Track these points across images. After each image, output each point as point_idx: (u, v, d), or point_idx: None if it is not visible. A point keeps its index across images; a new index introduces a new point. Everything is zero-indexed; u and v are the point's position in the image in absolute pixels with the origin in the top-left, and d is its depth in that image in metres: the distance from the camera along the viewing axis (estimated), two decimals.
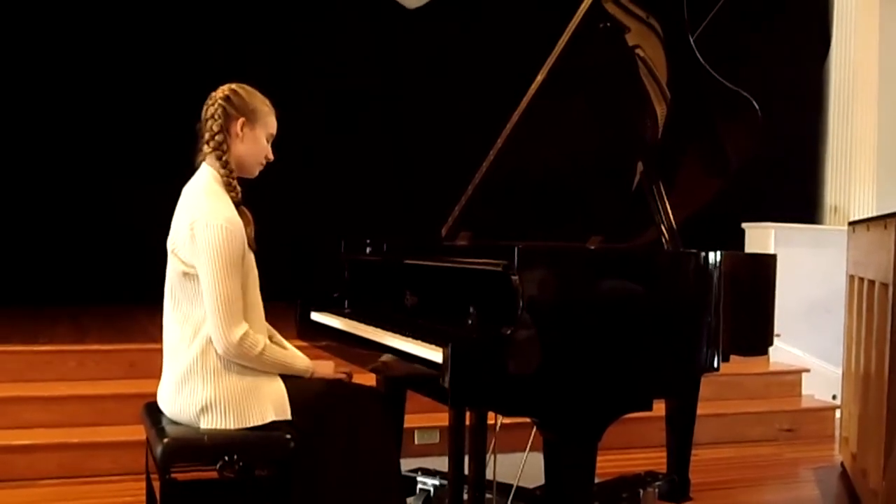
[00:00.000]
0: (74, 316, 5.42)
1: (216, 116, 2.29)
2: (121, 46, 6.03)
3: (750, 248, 5.59)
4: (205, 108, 2.32)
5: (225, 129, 2.29)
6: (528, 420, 2.16)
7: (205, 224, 2.15)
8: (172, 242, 2.23)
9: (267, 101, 2.38)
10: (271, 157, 2.39)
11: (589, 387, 2.10)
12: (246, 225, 2.24)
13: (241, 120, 2.30)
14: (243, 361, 2.21)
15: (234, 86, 2.34)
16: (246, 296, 2.24)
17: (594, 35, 2.54)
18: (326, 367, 2.41)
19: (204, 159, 2.31)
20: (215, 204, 2.20)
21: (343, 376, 2.43)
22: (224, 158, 2.28)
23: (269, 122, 2.37)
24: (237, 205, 2.26)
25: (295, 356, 2.36)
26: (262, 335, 2.27)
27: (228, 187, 2.27)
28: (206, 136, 2.30)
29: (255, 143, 2.33)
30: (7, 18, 5.84)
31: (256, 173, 2.39)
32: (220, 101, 2.30)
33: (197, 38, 6.09)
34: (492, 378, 1.95)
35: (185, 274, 2.20)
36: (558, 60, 2.49)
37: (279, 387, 2.25)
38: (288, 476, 2.16)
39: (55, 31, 5.96)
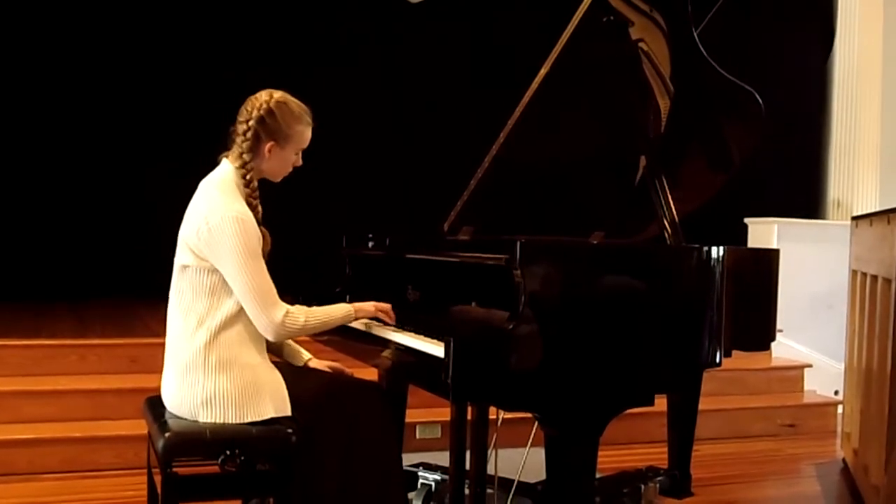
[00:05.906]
0: (76, 310, 5.42)
1: (247, 136, 2.25)
2: (126, 41, 6.04)
3: (752, 242, 5.58)
4: (240, 117, 2.27)
5: (253, 150, 2.26)
6: (529, 415, 2.16)
7: (219, 219, 2.14)
8: (184, 234, 2.23)
9: (305, 115, 2.30)
10: (299, 163, 2.36)
11: (590, 382, 2.10)
12: (263, 243, 2.22)
13: (271, 143, 2.26)
14: (293, 338, 2.37)
15: (273, 102, 2.26)
16: None
17: (597, 28, 2.53)
18: (366, 306, 2.39)
19: (226, 158, 2.30)
20: (227, 199, 2.19)
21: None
22: (248, 177, 2.26)
23: (303, 139, 2.32)
24: (258, 224, 2.23)
25: (333, 309, 2.35)
26: (298, 305, 2.27)
27: (250, 206, 2.23)
28: (234, 149, 2.28)
29: (282, 161, 2.31)
30: (18, 13, 5.83)
31: (279, 180, 2.37)
32: (254, 123, 2.24)
33: (200, 35, 6.09)
34: (493, 373, 1.95)
35: (194, 266, 2.19)
36: (561, 54, 2.48)
37: (279, 384, 2.24)
38: (289, 470, 2.16)
39: (63, 24, 5.96)
